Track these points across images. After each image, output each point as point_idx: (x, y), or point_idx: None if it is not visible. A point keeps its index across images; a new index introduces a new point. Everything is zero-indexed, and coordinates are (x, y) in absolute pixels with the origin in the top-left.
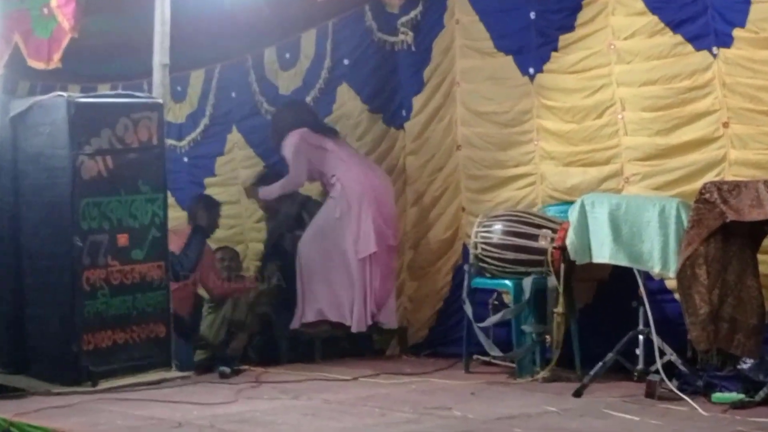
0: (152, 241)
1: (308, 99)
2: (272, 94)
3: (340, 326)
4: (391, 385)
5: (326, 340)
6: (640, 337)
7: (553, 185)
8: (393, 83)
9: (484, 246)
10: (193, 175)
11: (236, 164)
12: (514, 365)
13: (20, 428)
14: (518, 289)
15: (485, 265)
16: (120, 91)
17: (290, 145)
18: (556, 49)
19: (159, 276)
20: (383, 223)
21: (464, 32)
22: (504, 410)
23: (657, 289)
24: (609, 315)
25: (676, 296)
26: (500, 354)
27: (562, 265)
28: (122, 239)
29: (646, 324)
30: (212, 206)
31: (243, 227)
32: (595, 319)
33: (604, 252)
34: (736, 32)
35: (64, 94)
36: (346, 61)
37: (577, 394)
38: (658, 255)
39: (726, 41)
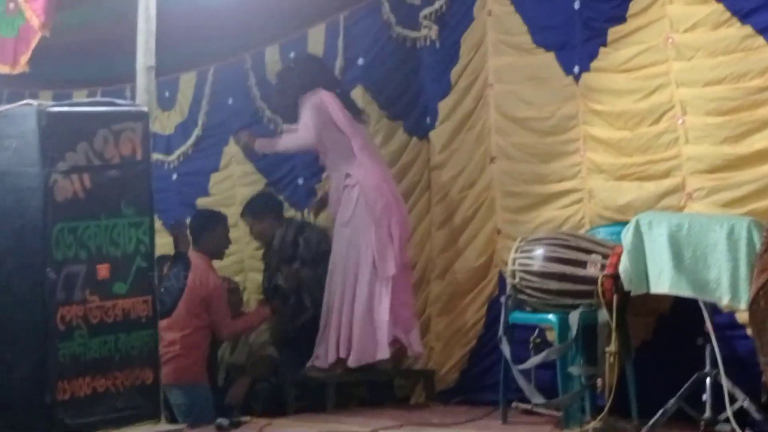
0: (137, 273)
1: None
2: (275, 100)
3: (358, 369)
4: None
5: (340, 386)
6: (707, 379)
7: (603, 203)
8: (415, 86)
9: (523, 275)
10: (183, 194)
11: (234, 182)
12: (559, 414)
13: None
14: (563, 325)
15: (525, 297)
16: (99, 99)
17: (310, 102)
18: (605, 44)
19: (145, 313)
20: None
21: (498, 25)
22: None
23: (726, 323)
24: (670, 354)
25: (749, 331)
26: (543, 401)
27: (615, 297)
28: (102, 270)
29: (714, 365)
30: (216, 222)
31: (242, 254)
32: (654, 360)
33: (663, 281)
34: None
35: (34, 102)
36: (360, 61)
37: None
38: (727, 283)
39: None
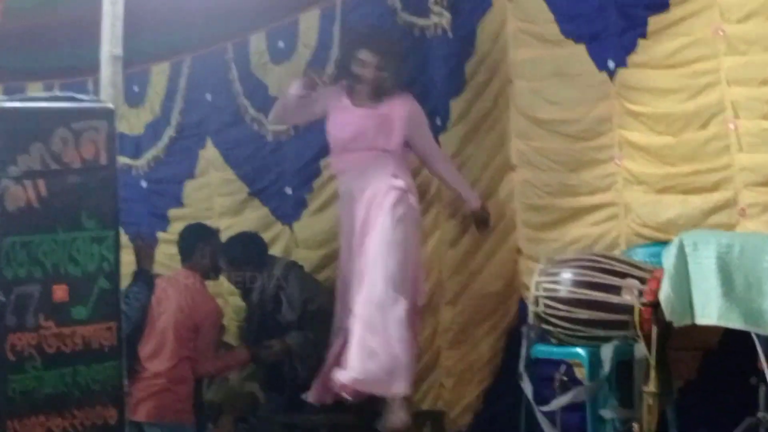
0: (99, 295)
1: None
2: (261, 96)
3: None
4: None
5: (333, 428)
6: (761, 426)
7: (641, 219)
8: (423, 81)
9: (548, 301)
10: (153, 205)
11: (211, 191)
12: None
13: None
14: (594, 360)
15: (550, 328)
16: (57, 93)
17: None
18: (644, 36)
19: (109, 342)
20: None
21: (520, 12)
22: None
23: None
24: (718, 395)
25: None
26: None
27: (654, 328)
28: (59, 292)
29: None
30: (210, 234)
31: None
32: (699, 402)
33: (710, 311)
34: None
35: None
36: None
37: None
38: None
39: None
